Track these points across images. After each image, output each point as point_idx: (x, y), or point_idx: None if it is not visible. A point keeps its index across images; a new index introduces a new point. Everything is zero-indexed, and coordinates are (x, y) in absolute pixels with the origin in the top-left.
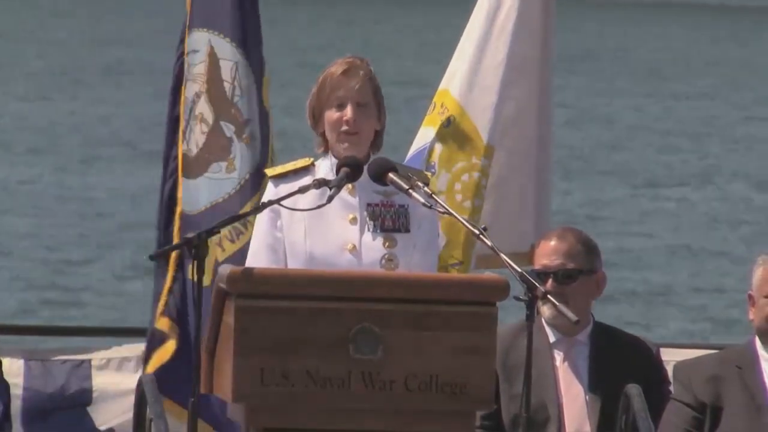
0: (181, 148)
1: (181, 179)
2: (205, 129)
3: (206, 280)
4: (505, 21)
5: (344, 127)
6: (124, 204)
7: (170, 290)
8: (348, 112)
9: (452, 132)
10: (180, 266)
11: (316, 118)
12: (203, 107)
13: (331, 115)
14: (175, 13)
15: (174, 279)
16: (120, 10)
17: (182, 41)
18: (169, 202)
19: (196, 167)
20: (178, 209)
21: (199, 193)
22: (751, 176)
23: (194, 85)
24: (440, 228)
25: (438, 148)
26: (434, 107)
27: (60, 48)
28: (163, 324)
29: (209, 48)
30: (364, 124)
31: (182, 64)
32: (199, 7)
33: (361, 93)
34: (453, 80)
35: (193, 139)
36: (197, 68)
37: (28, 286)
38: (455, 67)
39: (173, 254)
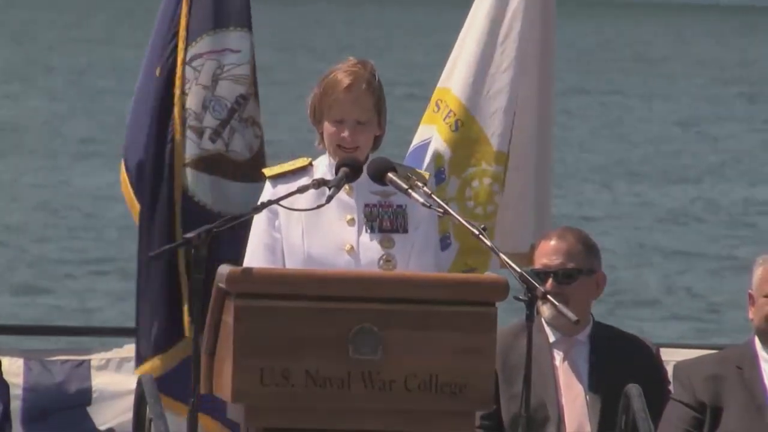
0: (182, 151)
1: (182, 177)
2: (259, 133)
3: None
4: (511, 24)
5: (342, 144)
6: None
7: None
8: (346, 131)
9: (461, 137)
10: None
11: (317, 118)
12: (254, 111)
13: (330, 128)
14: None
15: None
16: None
17: (175, 39)
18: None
19: (249, 172)
20: (177, 207)
21: (250, 197)
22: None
23: (237, 87)
24: (452, 235)
25: (447, 153)
26: (433, 104)
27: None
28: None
29: (252, 50)
30: (362, 139)
31: (173, 64)
32: (237, 5)
33: (362, 111)
34: (455, 80)
35: (242, 142)
36: (240, 69)
37: (25, 285)
38: (456, 65)
39: (182, 263)
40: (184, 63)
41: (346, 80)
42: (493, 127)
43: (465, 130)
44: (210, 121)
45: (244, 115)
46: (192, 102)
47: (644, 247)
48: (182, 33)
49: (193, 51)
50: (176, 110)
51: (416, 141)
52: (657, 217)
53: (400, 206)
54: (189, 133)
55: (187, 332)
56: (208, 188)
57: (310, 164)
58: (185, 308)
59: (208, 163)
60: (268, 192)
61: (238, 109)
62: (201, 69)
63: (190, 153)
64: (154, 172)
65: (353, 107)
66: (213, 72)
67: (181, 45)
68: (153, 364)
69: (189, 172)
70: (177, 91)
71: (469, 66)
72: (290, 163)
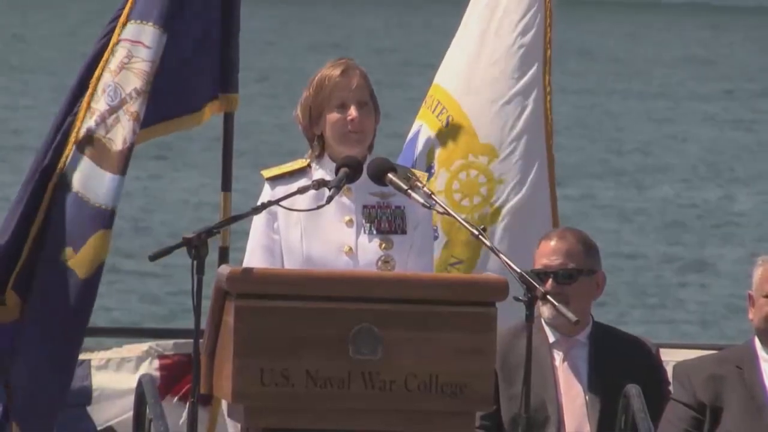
0: (80, 127)
1: (70, 151)
2: (137, 131)
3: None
4: (502, 17)
5: (349, 127)
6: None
7: (24, 265)
8: (352, 111)
9: (451, 131)
10: (41, 245)
11: (314, 119)
12: (141, 108)
13: (333, 116)
14: None
15: (30, 254)
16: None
17: (115, 22)
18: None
19: (118, 163)
20: (52, 184)
21: (113, 190)
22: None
23: (135, 80)
24: (440, 228)
25: (438, 149)
26: (428, 101)
27: None
28: (10, 297)
29: (161, 51)
30: (367, 122)
31: (104, 45)
32: (162, 5)
33: (361, 92)
34: (449, 76)
35: (120, 134)
36: (143, 65)
37: None
38: (451, 61)
39: (34, 231)
40: (113, 48)
41: (338, 69)
42: (481, 119)
43: (455, 124)
44: (102, 105)
45: (131, 109)
46: (100, 84)
47: (642, 248)
48: (122, 20)
49: (119, 37)
50: (90, 90)
51: (409, 136)
52: (656, 217)
53: (398, 207)
54: (87, 114)
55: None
56: (79, 169)
57: (309, 166)
58: (13, 276)
59: (86, 144)
60: (267, 193)
61: (129, 102)
62: (115, 54)
63: (81, 133)
64: (45, 146)
65: (353, 90)
66: (121, 59)
67: (117, 30)
68: None
69: (72, 150)
70: (97, 72)
71: (460, 61)
72: (288, 164)
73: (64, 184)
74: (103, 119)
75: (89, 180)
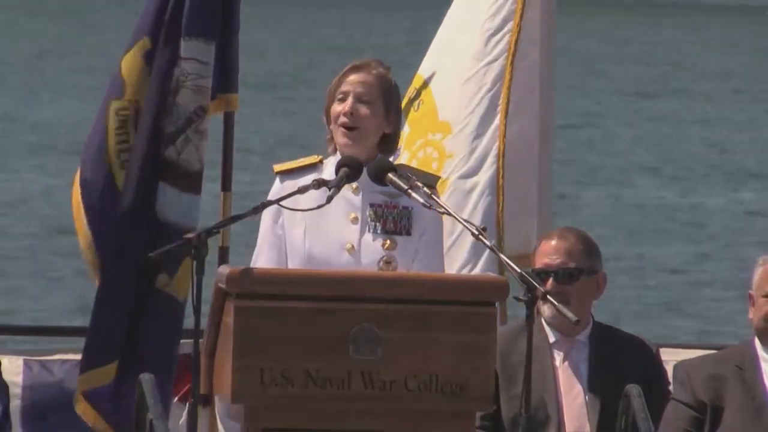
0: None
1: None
2: (206, 147)
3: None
4: (477, 2)
5: (342, 120)
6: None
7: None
8: (346, 105)
9: (419, 115)
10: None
11: (328, 116)
12: (208, 124)
13: (335, 108)
14: None
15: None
16: None
17: (169, 44)
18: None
19: (195, 183)
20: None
21: (194, 210)
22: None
23: (198, 97)
24: None
25: (406, 131)
26: (409, 90)
27: None
28: None
29: (213, 65)
30: (365, 119)
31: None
32: (210, 17)
33: (365, 88)
34: (426, 62)
35: (194, 154)
36: (204, 81)
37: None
38: (431, 49)
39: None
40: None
41: (354, 64)
42: (444, 99)
43: (424, 107)
44: (170, 128)
45: (200, 127)
46: (166, 109)
47: (643, 248)
48: (163, 35)
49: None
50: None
51: None
52: (655, 217)
53: (405, 208)
54: (162, 142)
55: None
56: (163, 196)
57: (320, 161)
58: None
59: (163, 170)
60: (276, 187)
61: (196, 121)
62: (173, 74)
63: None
64: (134, 189)
65: (357, 84)
66: (177, 78)
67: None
68: (91, 376)
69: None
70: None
71: (437, 46)
72: (300, 159)
73: (155, 218)
74: (172, 140)
75: (174, 205)
